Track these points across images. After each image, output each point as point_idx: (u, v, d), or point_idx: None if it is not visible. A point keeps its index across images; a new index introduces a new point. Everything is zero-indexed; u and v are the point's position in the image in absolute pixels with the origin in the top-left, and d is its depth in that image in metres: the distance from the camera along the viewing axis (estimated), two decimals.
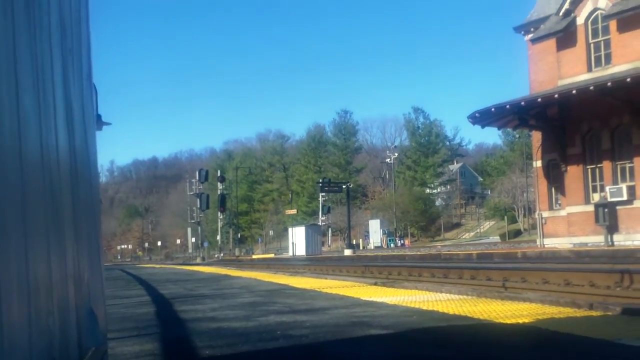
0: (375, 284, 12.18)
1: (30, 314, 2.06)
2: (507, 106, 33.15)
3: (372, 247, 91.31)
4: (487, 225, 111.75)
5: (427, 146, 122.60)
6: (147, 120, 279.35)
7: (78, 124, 3.03)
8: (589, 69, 33.78)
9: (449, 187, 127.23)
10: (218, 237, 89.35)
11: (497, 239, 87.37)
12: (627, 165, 32.51)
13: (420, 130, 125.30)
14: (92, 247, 3.69)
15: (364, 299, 9.16)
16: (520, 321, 6.17)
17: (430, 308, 7.53)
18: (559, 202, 36.49)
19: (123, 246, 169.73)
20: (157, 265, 51.39)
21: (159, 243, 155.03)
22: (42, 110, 2.18)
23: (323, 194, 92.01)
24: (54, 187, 2.48)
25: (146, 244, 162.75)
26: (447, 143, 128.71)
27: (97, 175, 4.36)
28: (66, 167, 2.82)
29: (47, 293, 2.28)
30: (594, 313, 6.59)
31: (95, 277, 3.85)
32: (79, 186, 3.16)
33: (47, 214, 2.36)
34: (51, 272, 2.37)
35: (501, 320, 6.28)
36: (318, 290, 11.26)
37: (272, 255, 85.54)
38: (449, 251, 41.62)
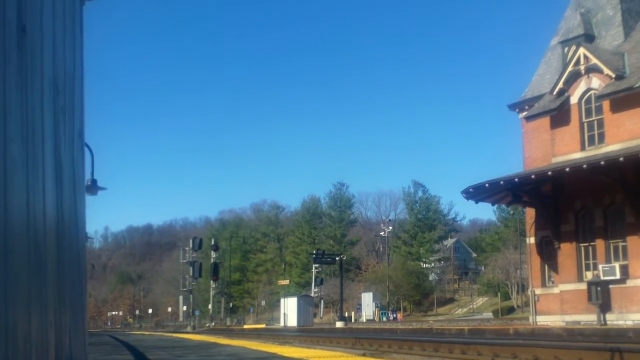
0: (364, 354, 12.09)
1: None
2: (501, 182, 33.34)
3: (364, 320, 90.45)
4: (480, 301, 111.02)
5: (425, 221, 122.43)
6: (142, 187, 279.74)
7: (67, 177, 3.07)
8: (583, 148, 34.08)
9: (442, 262, 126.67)
10: (210, 306, 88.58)
11: (490, 315, 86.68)
12: (620, 244, 32.53)
13: (418, 206, 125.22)
14: (76, 312, 3.66)
15: None
16: None
17: None
18: (552, 279, 36.37)
19: (114, 313, 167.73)
20: (147, 333, 50.83)
21: (150, 310, 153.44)
22: (30, 161, 2.22)
23: (316, 265, 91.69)
24: (39, 247, 2.43)
25: (137, 311, 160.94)
26: (442, 218, 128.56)
27: (84, 235, 4.38)
28: (52, 225, 2.80)
29: (27, 358, 2.25)
30: None
31: (78, 341, 3.82)
32: (64, 248, 3.10)
33: (31, 275, 2.32)
34: (31, 336, 2.33)
35: None
36: (306, 359, 11.17)
37: (263, 326, 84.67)
38: (441, 326, 41.27)
